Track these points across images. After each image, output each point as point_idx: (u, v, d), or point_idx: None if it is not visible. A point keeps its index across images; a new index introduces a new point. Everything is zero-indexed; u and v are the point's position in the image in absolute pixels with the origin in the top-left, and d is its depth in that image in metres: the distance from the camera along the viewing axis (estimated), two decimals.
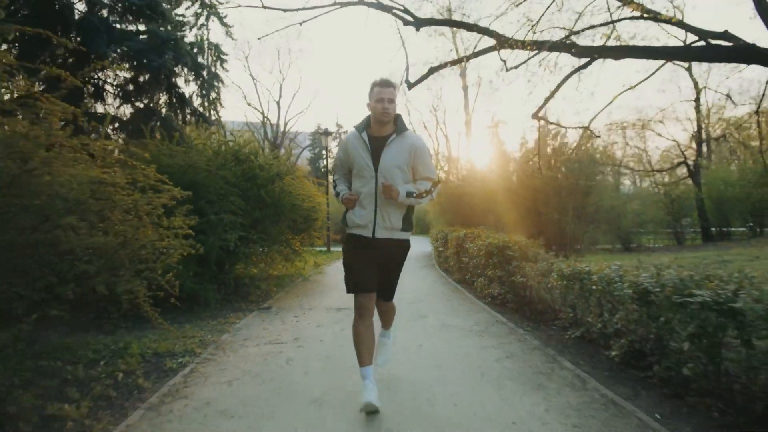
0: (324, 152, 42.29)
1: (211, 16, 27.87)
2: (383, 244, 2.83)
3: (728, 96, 18.70)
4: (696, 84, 19.37)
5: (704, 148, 21.40)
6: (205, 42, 27.26)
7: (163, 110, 11.88)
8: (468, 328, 4.81)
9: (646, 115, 19.91)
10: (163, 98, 12.03)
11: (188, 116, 12.46)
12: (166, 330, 3.82)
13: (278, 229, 7.55)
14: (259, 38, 33.86)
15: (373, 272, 2.82)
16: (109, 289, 2.76)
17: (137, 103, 11.07)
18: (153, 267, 3.18)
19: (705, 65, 18.16)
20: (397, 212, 2.82)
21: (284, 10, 8.29)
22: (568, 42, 5.85)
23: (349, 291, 2.85)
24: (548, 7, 7.52)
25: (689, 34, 7.51)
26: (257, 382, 3.26)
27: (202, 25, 27.81)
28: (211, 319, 5.20)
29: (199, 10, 27.63)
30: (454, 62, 8.14)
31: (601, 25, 6.59)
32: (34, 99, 2.70)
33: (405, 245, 2.94)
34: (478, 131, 37.42)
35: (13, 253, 2.19)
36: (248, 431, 2.51)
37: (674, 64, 15.22)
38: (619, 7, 7.04)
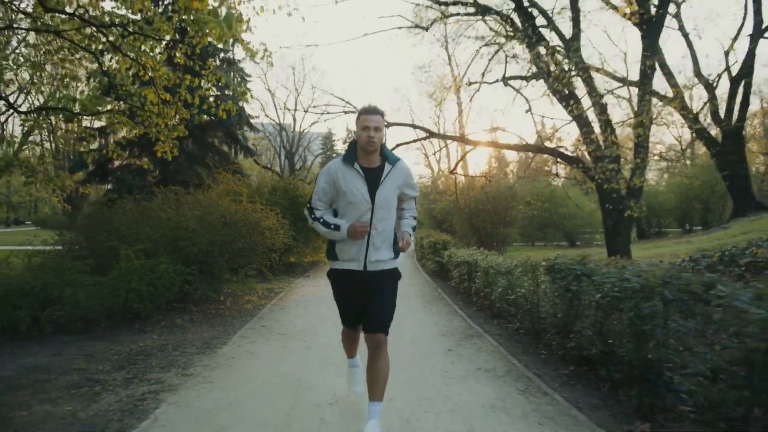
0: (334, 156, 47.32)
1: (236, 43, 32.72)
2: (374, 276, 2.77)
3: (665, 124, 23.46)
4: (635, 114, 24.03)
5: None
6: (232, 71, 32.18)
7: (224, 147, 17.04)
8: (407, 282, 9.77)
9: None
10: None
11: (238, 150, 17.62)
12: (271, 280, 8.87)
13: (309, 233, 12.57)
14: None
15: (360, 310, 2.86)
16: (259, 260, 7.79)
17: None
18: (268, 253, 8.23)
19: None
20: (389, 243, 2.78)
21: (320, 114, 13.58)
22: (460, 136, 10.58)
23: (343, 324, 3.09)
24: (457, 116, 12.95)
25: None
26: (312, 296, 8.26)
27: (228, 50, 32.73)
28: (282, 279, 10.20)
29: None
30: (407, 143, 13.36)
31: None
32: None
33: (396, 274, 2.88)
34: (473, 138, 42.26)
35: (253, 245, 7.18)
36: (314, 307, 7.43)
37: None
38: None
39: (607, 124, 10.46)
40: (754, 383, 2.34)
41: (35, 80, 9.47)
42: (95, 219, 7.37)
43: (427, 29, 12.14)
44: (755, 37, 16.73)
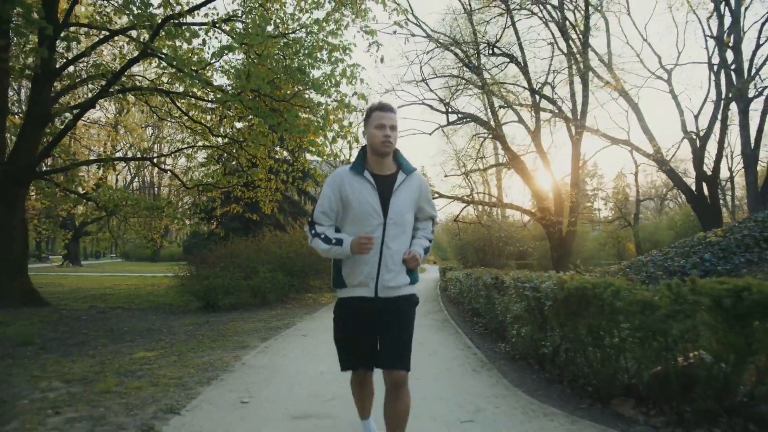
0: None
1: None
2: (387, 304, 2.37)
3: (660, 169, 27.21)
4: (635, 162, 27.96)
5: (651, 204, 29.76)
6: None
7: (295, 197, 22.64)
8: (423, 299, 14.55)
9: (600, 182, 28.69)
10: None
11: (306, 199, 23.16)
12: (327, 293, 13.98)
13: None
14: None
15: (371, 347, 2.45)
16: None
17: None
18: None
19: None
20: (404, 266, 2.37)
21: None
22: (459, 196, 15.37)
23: (343, 369, 2.56)
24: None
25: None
26: None
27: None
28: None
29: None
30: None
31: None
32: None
33: (413, 300, 2.48)
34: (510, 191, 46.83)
35: (325, 267, 12.23)
36: None
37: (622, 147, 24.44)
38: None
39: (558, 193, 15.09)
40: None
41: (189, 165, 15.24)
42: (218, 251, 12.50)
43: (430, 134, 17.32)
44: (717, 104, 20.74)
